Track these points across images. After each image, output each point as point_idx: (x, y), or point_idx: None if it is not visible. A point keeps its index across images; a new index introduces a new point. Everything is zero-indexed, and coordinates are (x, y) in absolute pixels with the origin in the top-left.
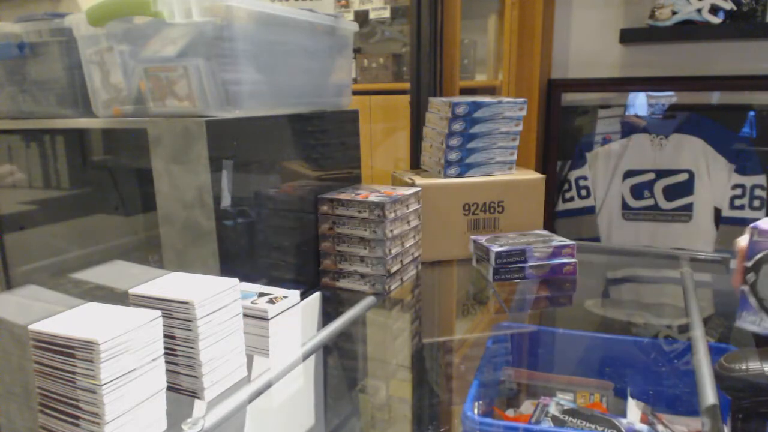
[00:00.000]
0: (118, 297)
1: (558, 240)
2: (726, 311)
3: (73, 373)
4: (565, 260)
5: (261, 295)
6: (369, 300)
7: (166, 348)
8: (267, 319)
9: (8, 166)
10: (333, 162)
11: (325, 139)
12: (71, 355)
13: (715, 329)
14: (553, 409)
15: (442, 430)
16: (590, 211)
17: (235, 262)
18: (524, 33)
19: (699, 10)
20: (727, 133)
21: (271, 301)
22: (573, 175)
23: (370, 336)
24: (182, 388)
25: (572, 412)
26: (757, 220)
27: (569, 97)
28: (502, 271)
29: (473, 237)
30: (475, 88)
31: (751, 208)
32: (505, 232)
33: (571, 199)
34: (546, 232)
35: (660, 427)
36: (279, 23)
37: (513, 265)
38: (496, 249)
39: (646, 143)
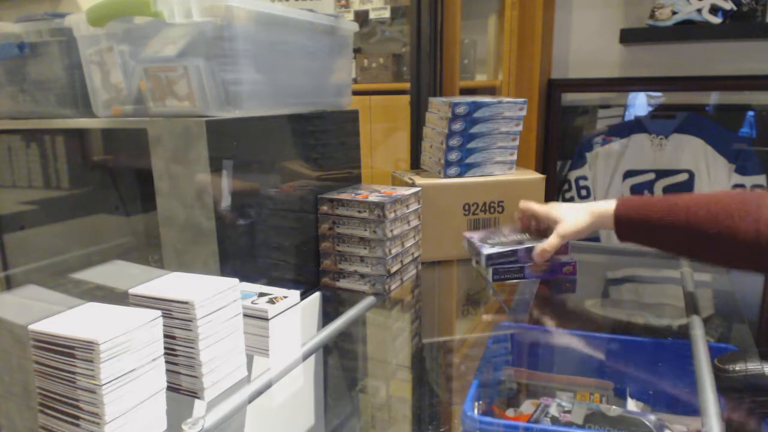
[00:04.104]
0: (118, 297)
1: None
2: (726, 311)
3: (73, 373)
4: (565, 260)
5: (261, 295)
6: (369, 300)
7: (166, 348)
8: (267, 319)
9: None
10: (333, 162)
11: (325, 139)
12: (71, 355)
13: (715, 329)
14: (553, 410)
15: (442, 430)
16: None
17: (235, 262)
18: (524, 33)
19: (699, 10)
20: (727, 133)
21: (271, 301)
22: (573, 175)
23: (370, 336)
24: (182, 388)
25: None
26: None
27: (569, 97)
28: (501, 272)
29: (466, 234)
30: (475, 88)
31: None
32: (500, 227)
33: (571, 199)
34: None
35: None
36: (279, 23)
37: (513, 265)
38: (487, 251)
39: (646, 143)
